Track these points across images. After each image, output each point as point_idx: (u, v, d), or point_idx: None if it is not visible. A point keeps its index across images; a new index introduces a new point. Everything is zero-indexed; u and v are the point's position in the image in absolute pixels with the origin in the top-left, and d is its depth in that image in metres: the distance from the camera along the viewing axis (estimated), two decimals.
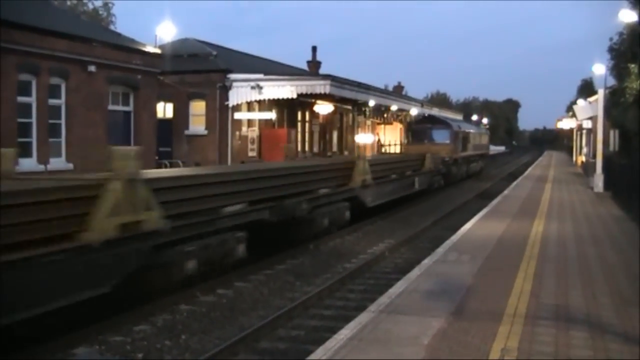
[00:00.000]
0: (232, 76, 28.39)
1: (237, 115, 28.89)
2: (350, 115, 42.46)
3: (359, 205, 19.13)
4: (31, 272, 7.66)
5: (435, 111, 54.20)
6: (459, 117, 62.30)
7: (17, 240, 7.62)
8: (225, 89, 28.31)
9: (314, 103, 34.85)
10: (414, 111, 48.12)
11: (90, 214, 8.61)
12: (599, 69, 32.16)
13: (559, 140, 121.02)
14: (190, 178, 12.08)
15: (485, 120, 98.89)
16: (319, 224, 16.14)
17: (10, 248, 7.42)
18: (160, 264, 10.24)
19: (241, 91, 28.31)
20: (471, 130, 47.45)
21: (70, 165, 19.17)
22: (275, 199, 14.03)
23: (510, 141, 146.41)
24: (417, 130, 39.77)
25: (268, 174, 14.60)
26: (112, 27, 46.82)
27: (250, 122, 30.35)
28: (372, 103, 38.46)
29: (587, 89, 68.27)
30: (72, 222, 8.47)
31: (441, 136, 37.65)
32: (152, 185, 9.89)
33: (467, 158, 42.86)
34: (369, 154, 40.82)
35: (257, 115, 30.42)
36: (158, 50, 24.55)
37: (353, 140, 41.95)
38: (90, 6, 51.63)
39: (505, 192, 27.83)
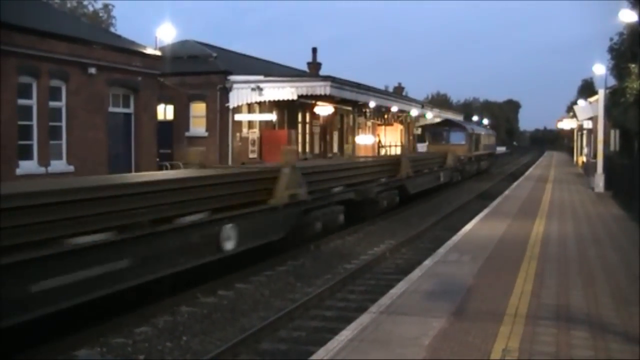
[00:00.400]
0: (233, 78, 28.41)
1: (238, 117, 28.90)
2: (351, 116, 42.45)
3: (404, 192, 23.78)
4: (251, 221, 12.24)
5: (436, 112, 54.30)
6: (460, 118, 62.53)
7: (238, 202, 12.29)
8: (226, 91, 28.33)
9: (315, 104, 34.84)
10: (414, 112, 48.17)
11: (274, 188, 13.51)
12: (599, 69, 32.12)
13: (560, 141, 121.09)
14: (317, 167, 17.41)
15: (485, 121, 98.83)
16: (381, 204, 20.78)
17: (234, 208, 11.96)
18: (305, 223, 14.99)
19: (241, 93, 28.33)
20: (482, 132, 53.20)
21: (71, 168, 19.19)
22: (356, 185, 18.91)
23: (510, 142, 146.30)
24: (436, 132, 44.62)
25: (354, 166, 20.28)
26: (112, 30, 46.86)
27: (250, 124, 30.37)
28: (372, 104, 38.45)
29: (587, 89, 68.27)
30: (264, 193, 13.38)
31: (457, 137, 42.86)
32: (302, 171, 14.76)
33: (479, 156, 47.22)
34: (369, 154, 40.85)
35: (258, 116, 30.43)
36: (158, 52, 24.56)
37: (354, 142, 41.96)
38: (90, 8, 51.64)
39: (506, 192, 27.83)
